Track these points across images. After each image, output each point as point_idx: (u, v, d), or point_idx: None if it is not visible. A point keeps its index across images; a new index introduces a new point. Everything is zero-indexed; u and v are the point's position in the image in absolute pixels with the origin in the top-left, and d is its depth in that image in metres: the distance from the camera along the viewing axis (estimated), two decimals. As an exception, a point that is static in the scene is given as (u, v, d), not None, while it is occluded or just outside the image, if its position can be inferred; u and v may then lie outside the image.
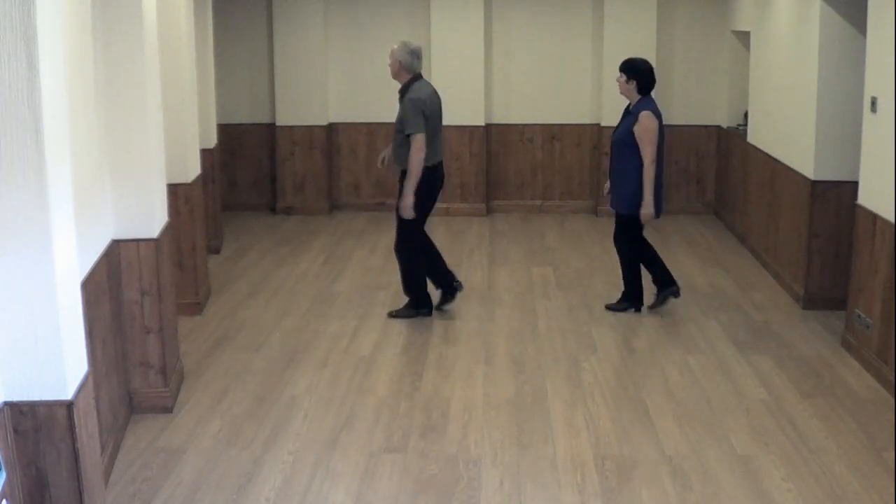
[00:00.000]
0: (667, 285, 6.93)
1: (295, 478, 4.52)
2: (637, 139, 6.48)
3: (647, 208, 6.55)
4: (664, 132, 6.65)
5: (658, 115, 6.56)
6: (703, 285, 7.69)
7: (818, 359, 6.05)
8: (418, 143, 6.39)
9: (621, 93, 6.67)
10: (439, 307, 6.91)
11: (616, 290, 7.51)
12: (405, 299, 6.87)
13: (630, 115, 6.59)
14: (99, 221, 4.70)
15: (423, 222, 6.73)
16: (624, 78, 6.58)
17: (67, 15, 3.92)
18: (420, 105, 6.42)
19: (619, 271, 7.11)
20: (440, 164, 6.71)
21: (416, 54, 6.56)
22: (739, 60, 9.75)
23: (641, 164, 6.51)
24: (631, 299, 6.94)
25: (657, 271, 6.94)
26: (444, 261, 6.92)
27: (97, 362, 4.40)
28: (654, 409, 5.30)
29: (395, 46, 6.59)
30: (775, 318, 6.87)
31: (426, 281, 6.85)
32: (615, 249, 7.02)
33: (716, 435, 4.96)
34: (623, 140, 6.57)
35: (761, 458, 4.69)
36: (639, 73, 6.55)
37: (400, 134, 6.51)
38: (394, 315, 6.82)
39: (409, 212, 6.48)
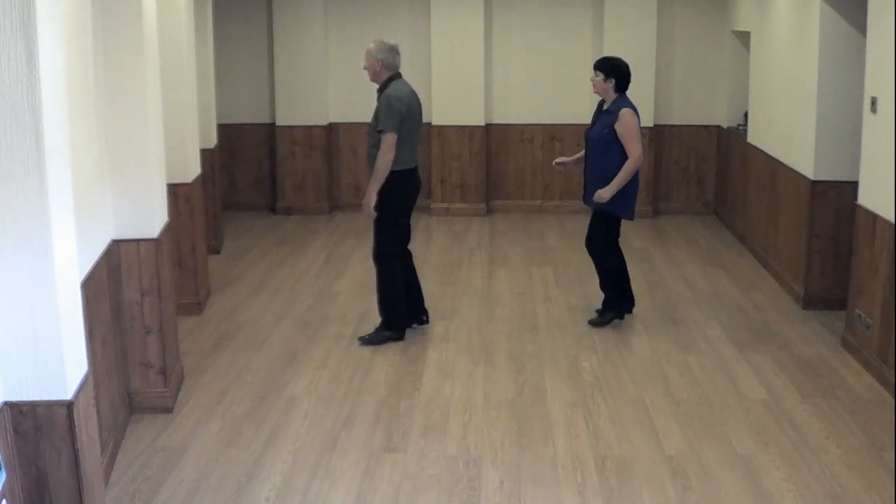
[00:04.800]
0: (618, 305, 6.72)
1: (295, 478, 4.52)
2: (620, 137, 6.29)
3: (603, 193, 6.31)
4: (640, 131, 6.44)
5: (637, 113, 6.37)
6: (703, 285, 7.68)
7: (818, 359, 6.05)
8: (388, 143, 5.98)
9: (596, 91, 6.46)
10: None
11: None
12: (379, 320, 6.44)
13: (607, 112, 6.41)
14: (99, 221, 4.70)
15: (403, 232, 6.33)
16: (602, 76, 6.35)
17: (67, 15, 3.92)
18: (398, 104, 6.02)
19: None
20: (415, 169, 6.26)
21: (395, 51, 6.18)
22: (739, 60, 9.75)
23: (623, 161, 6.29)
24: (618, 306, 6.68)
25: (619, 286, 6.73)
26: (420, 287, 6.52)
27: (97, 362, 4.40)
28: (654, 409, 5.30)
29: (371, 46, 6.18)
30: (775, 318, 6.87)
31: (402, 300, 6.36)
32: (589, 254, 6.71)
33: (716, 435, 4.96)
34: (603, 138, 6.37)
35: (761, 458, 4.69)
36: (618, 72, 6.35)
37: (374, 135, 6.11)
38: (365, 341, 6.31)
39: (369, 210, 6.11)
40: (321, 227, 9.78)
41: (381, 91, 6.18)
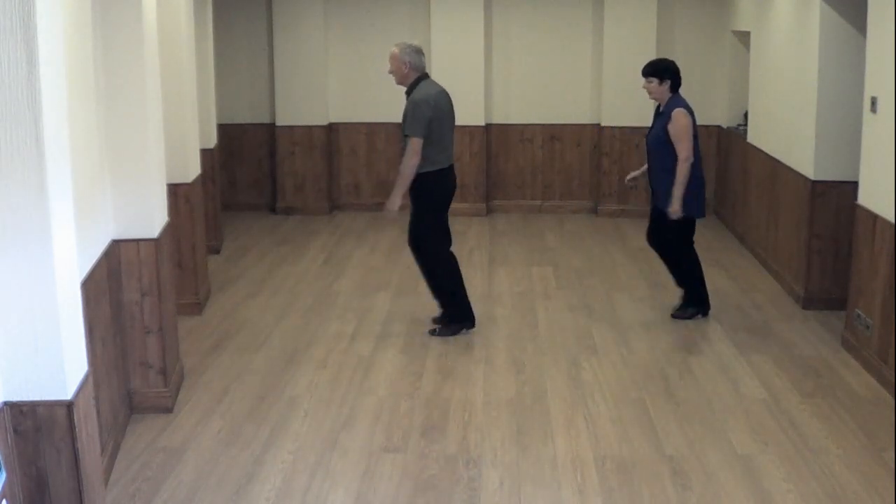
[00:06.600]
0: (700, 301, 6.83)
1: (295, 478, 4.52)
2: (672, 137, 6.39)
3: (674, 206, 6.43)
4: (697, 129, 6.55)
5: (691, 112, 6.48)
6: (703, 285, 7.68)
7: (818, 359, 6.05)
8: (413, 147, 6.04)
9: (653, 97, 6.56)
10: (436, 320, 6.57)
11: (616, 291, 7.53)
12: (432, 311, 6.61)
13: (663, 114, 6.51)
14: (99, 221, 4.70)
15: (440, 228, 6.36)
16: (656, 81, 6.48)
17: (67, 15, 3.92)
18: (424, 107, 6.04)
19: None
20: (451, 167, 6.31)
21: (420, 52, 6.21)
22: (739, 60, 9.75)
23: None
24: (698, 303, 6.77)
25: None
26: (464, 288, 6.54)
27: (97, 362, 4.40)
28: (654, 409, 5.30)
29: (395, 49, 6.18)
30: (775, 318, 6.86)
31: (463, 288, 6.45)
32: (653, 248, 6.84)
33: (716, 435, 4.96)
34: (659, 140, 6.48)
35: (761, 458, 4.69)
36: (671, 73, 6.48)
37: (404, 137, 6.16)
38: (436, 333, 6.42)
39: (392, 214, 6.24)
40: (321, 227, 9.78)
41: (409, 93, 6.20)
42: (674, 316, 6.79)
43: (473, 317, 6.54)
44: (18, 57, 2.76)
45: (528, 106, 10.36)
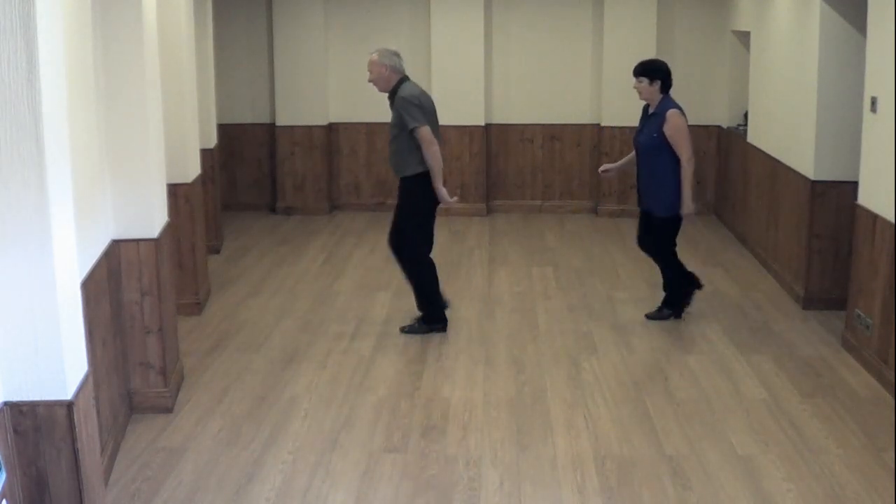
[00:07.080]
0: (690, 285, 6.84)
1: (295, 478, 4.52)
2: (670, 139, 6.37)
3: (687, 207, 6.46)
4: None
5: (683, 113, 6.46)
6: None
7: (818, 359, 6.05)
8: (426, 137, 6.08)
9: (643, 98, 6.49)
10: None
11: (616, 290, 7.53)
12: (416, 312, 6.61)
13: (654, 115, 6.45)
14: (99, 221, 4.70)
15: (427, 230, 6.42)
16: (646, 81, 6.40)
17: (67, 15, 3.92)
18: (414, 100, 6.10)
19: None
20: None
21: (398, 55, 6.26)
22: (739, 60, 9.74)
23: (676, 164, 6.42)
24: (673, 306, 6.78)
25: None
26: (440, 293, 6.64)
27: (97, 362, 4.40)
28: (654, 409, 5.30)
29: (374, 56, 6.22)
30: (775, 318, 6.87)
31: (440, 294, 6.56)
32: (646, 252, 6.83)
33: (716, 435, 4.96)
34: (652, 142, 6.44)
35: (761, 458, 4.69)
36: (663, 73, 6.42)
37: (396, 140, 6.19)
38: (406, 330, 6.49)
39: (450, 202, 6.32)
40: (321, 227, 9.78)
41: (392, 97, 6.24)
42: (648, 317, 6.77)
43: (446, 319, 6.57)
44: (18, 57, 2.76)
45: (528, 106, 10.36)
